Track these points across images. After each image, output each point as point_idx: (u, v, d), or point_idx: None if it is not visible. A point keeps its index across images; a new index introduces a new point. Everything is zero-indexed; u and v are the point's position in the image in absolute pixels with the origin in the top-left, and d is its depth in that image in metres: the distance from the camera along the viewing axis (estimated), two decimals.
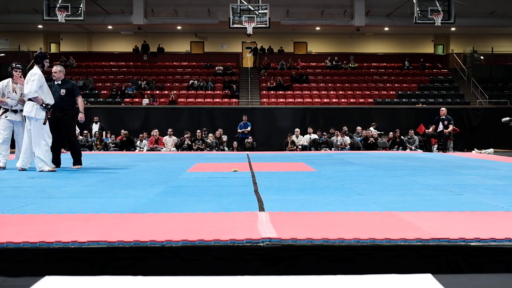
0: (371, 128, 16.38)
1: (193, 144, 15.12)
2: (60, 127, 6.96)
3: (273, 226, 2.78)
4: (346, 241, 2.48)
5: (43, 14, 18.18)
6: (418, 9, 18.37)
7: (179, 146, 15.32)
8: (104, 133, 16.00)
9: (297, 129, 16.47)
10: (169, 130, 15.27)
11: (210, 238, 2.48)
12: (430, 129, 13.50)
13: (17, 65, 6.98)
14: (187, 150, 14.75)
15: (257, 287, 2.10)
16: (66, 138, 7.16)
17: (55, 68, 7.04)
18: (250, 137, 16.03)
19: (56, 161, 6.96)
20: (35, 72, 6.38)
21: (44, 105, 6.38)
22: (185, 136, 15.36)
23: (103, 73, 23.77)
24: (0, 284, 2.25)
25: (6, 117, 6.89)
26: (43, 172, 6.30)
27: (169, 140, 15.12)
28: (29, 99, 6.37)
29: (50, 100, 6.56)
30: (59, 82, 6.98)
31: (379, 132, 16.24)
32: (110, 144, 15.38)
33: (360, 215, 3.15)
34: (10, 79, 6.98)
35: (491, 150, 11.27)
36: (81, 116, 7.07)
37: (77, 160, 7.06)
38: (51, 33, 26.07)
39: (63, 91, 6.94)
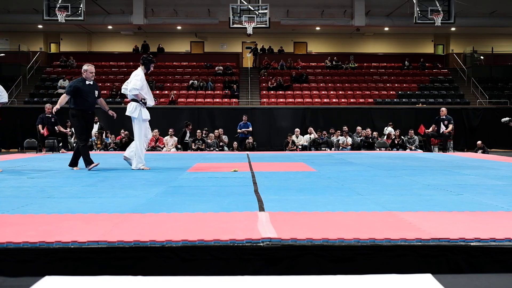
0: (389, 128, 16.33)
1: (193, 143, 15.13)
2: (88, 128, 7.00)
3: (273, 226, 2.78)
4: (346, 241, 2.48)
5: (43, 14, 18.19)
6: (418, 9, 18.38)
7: (180, 142, 15.29)
8: (104, 133, 16.00)
9: (297, 129, 16.48)
10: (170, 130, 15.27)
11: (210, 238, 2.48)
12: (430, 129, 13.51)
13: None
14: (188, 148, 14.77)
15: (257, 287, 2.10)
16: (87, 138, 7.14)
17: (91, 68, 6.88)
18: (250, 137, 16.03)
19: (75, 162, 6.94)
20: (139, 73, 6.66)
21: (143, 101, 6.63)
22: (187, 126, 15.31)
23: (103, 73, 23.76)
24: (0, 284, 2.25)
25: None
26: (44, 173, 6.30)
27: (170, 140, 15.12)
28: (132, 100, 6.68)
29: (150, 101, 6.79)
30: (91, 83, 6.85)
31: (395, 131, 16.15)
32: (111, 144, 15.38)
33: (360, 215, 3.15)
34: None
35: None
36: (113, 113, 7.03)
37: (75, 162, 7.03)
38: (51, 33, 26.08)
39: (96, 93, 6.92)
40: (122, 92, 7.16)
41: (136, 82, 6.61)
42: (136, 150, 6.74)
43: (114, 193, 4.34)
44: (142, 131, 6.76)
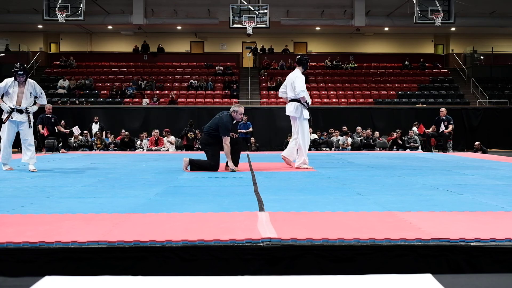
0: (414, 128, 16.22)
1: (194, 142, 15.17)
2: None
3: (273, 226, 2.78)
4: (346, 241, 2.48)
5: (43, 14, 18.17)
6: (418, 9, 18.36)
7: (179, 147, 15.35)
8: (104, 133, 16.00)
9: None
10: (165, 130, 15.30)
11: (210, 238, 2.49)
12: (430, 129, 13.52)
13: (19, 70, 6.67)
14: (189, 149, 14.78)
15: (257, 287, 2.10)
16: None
17: (241, 110, 6.72)
18: (252, 138, 16.00)
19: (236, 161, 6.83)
20: (300, 75, 6.84)
21: (306, 102, 6.81)
22: (187, 129, 15.39)
23: (103, 73, 23.78)
24: (0, 284, 2.25)
25: (12, 118, 6.69)
26: (44, 173, 6.30)
27: (167, 141, 15.14)
28: (292, 100, 6.83)
29: (309, 100, 6.97)
30: (234, 122, 6.82)
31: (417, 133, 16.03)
32: (111, 144, 15.37)
33: (360, 215, 3.15)
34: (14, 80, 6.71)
35: None
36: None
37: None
38: (51, 33, 26.07)
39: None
40: (279, 95, 7.28)
41: (302, 84, 6.76)
42: (301, 148, 6.89)
43: (114, 193, 4.35)
44: (305, 130, 6.92)
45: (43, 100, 6.97)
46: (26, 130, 6.74)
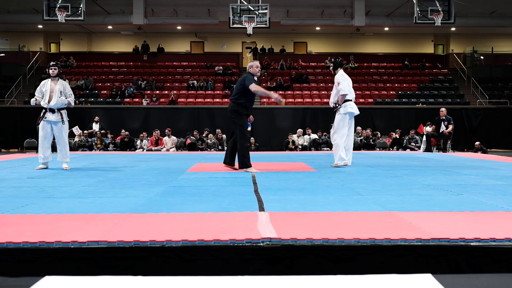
0: (427, 128, 16.17)
1: (197, 143, 15.21)
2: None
3: (273, 226, 2.78)
4: (346, 241, 2.48)
5: (43, 14, 18.18)
6: (418, 9, 18.37)
7: (180, 147, 15.36)
8: (103, 132, 16.00)
9: (299, 130, 16.51)
10: (167, 130, 15.29)
11: (210, 238, 2.49)
12: (430, 129, 13.52)
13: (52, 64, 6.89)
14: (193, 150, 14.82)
15: (257, 287, 2.10)
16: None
17: (257, 63, 6.56)
18: (252, 138, 16.01)
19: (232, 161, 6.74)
20: (343, 73, 7.16)
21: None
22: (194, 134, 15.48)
23: (103, 73, 23.78)
24: (0, 284, 2.25)
25: (45, 118, 6.78)
26: (44, 173, 6.30)
27: (169, 141, 15.13)
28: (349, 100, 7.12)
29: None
30: (256, 79, 6.54)
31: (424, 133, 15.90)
32: (110, 144, 15.37)
33: (360, 215, 3.15)
34: (49, 79, 6.88)
35: None
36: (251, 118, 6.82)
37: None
38: (51, 33, 26.06)
39: None
40: (345, 96, 7.21)
41: (345, 85, 7.05)
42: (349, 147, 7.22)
43: (114, 193, 4.35)
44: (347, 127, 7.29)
45: (71, 102, 7.05)
46: (57, 129, 6.84)
